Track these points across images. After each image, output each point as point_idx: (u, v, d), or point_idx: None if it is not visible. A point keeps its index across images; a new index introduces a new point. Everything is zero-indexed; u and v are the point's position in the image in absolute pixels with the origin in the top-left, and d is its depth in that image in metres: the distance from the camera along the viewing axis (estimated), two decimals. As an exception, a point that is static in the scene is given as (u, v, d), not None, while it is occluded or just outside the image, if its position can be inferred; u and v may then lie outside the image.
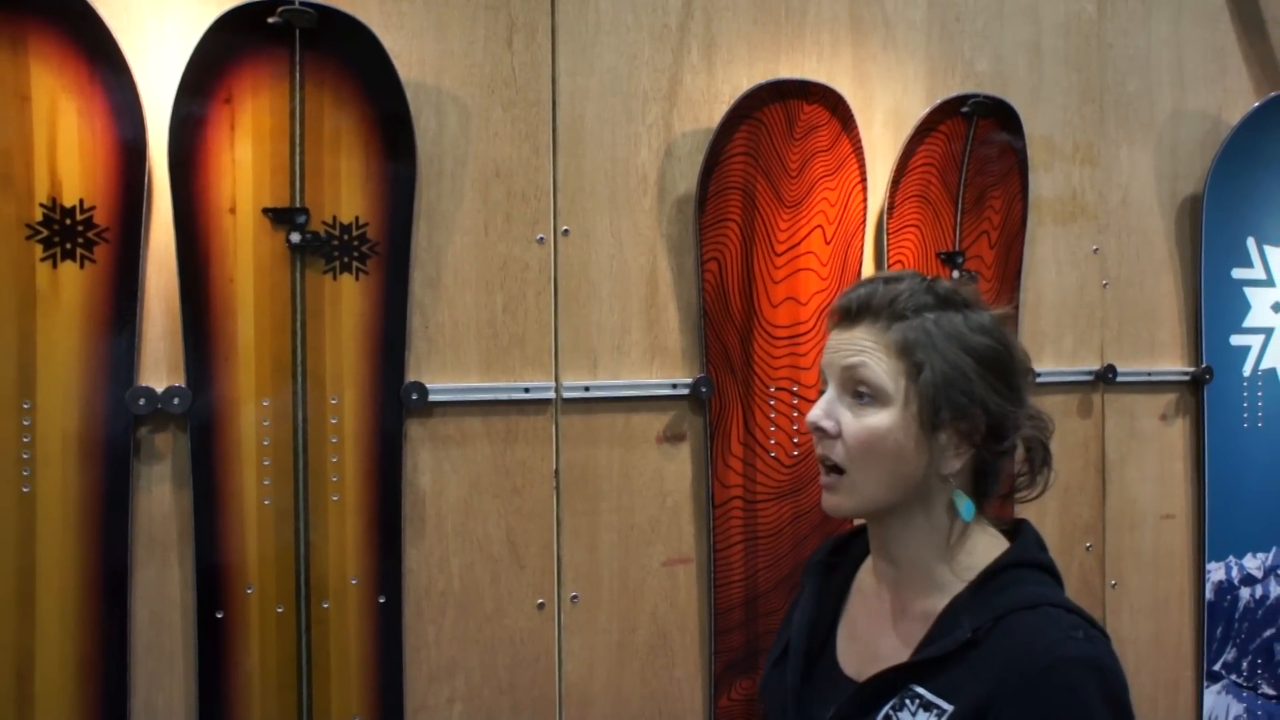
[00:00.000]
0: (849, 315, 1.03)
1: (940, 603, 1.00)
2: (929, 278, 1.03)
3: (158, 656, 1.53)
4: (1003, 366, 1.00)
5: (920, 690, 0.95)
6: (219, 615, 1.53)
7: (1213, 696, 2.37)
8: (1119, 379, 2.26)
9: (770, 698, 1.11)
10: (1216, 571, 2.38)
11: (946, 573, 1.01)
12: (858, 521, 1.10)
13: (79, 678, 1.45)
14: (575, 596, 1.76)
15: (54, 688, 1.44)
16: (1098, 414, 2.27)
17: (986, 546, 1.02)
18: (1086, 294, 2.27)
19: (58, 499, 1.45)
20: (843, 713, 1.00)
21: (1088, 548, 2.25)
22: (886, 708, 0.96)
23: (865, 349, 1.00)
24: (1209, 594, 2.37)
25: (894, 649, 1.02)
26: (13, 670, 1.41)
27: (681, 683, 1.84)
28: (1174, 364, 2.36)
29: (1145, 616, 2.32)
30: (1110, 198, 2.29)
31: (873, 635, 1.06)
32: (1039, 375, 2.16)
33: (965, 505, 1.00)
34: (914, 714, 0.94)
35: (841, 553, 1.16)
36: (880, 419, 0.99)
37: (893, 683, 0.97)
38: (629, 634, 1.80)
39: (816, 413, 1.01)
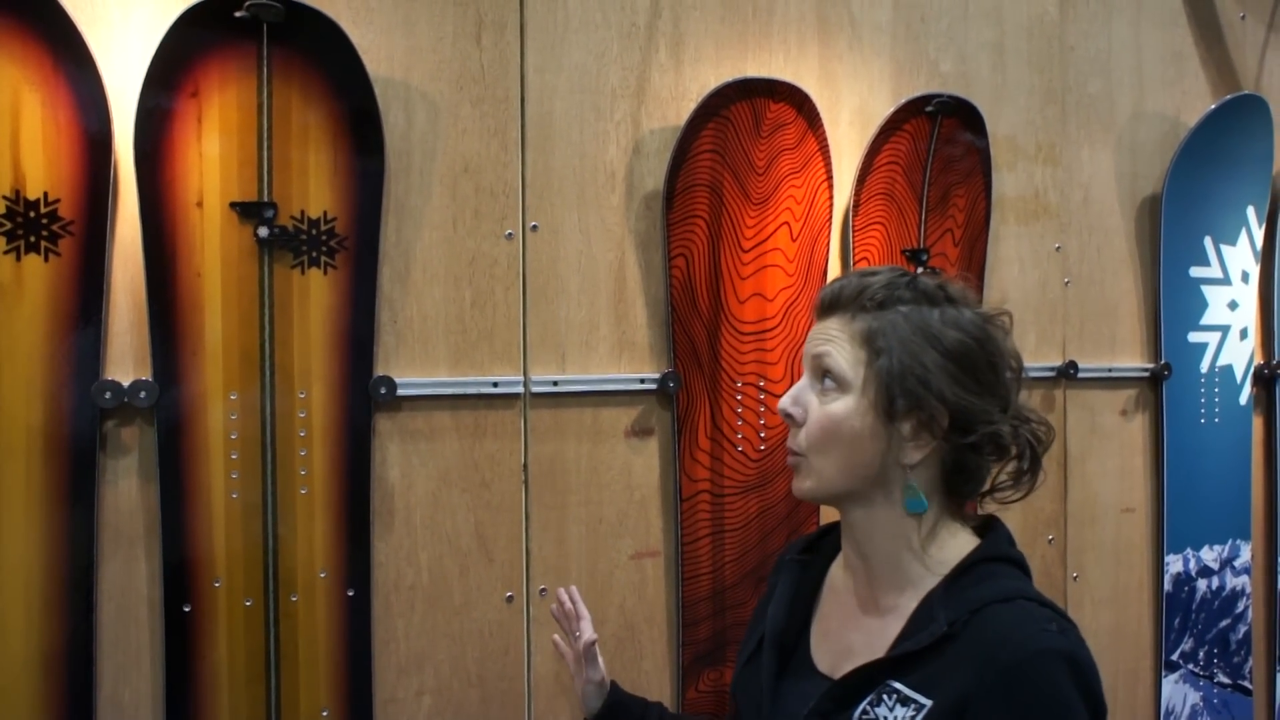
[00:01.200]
0: (823, 307, 1.06)
1: (912, 598, 1.01)
2: (913, 274, 1.04)
3: (124, 650, 1.53)
4: (971, 361, 1.00)
5: (897, 685, 0.96)
6: (186, 609, 1.53)
7: (1170, 685, 2.43)
8: (1080, 375, 2.30)
9: (744, 695, 1.12)
10: (1175, 564, 2.43)
11: (917, 567, 1.02)
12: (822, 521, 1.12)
13: (44, 672, 1.45)
14: (544, 590, 1.77)
15: (18, 682, 1.43)
16: (1060, 409, 2.32)
17: (957, 542, 1.03)
18: (1049, 291, 2.31)
19: (21, 492, 1.45)
20: (820, 709, 1.00)
21: (1050, 540, 2.29)
22: (864, 703, 0.97)
23: (832, 338, 1.03)
24: (1167, 585, 2.42)
25: (867, 644, 1.02)
26: (-24, 664, 1.41)
27: (650, 674, 1.86)
28: (1134, 360, 2.41)
29: (1106, 608, 2.37)
30: (1072, 197, 2.34)
31: (845, 631, 1.06)
32: (1002, 371, 2.19)
33: (913, 500, 1.01)
34: (891, 709, 0.95)
35: (813, 550, 1.17)
36: (838, 406, 1.01)
37: (869, 678, 0.98)
38: (597, 626, 1.79)
39: (785, 400, 1.04)
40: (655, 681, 1.86)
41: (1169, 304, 2.41)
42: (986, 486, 1.04)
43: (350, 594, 1.62)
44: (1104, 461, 2.37)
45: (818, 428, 1.01)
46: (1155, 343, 2.42)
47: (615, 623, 1.83)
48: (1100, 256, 2.38)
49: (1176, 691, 2.43)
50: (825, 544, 1.17)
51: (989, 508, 1.08)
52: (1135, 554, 2.41)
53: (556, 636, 1.42)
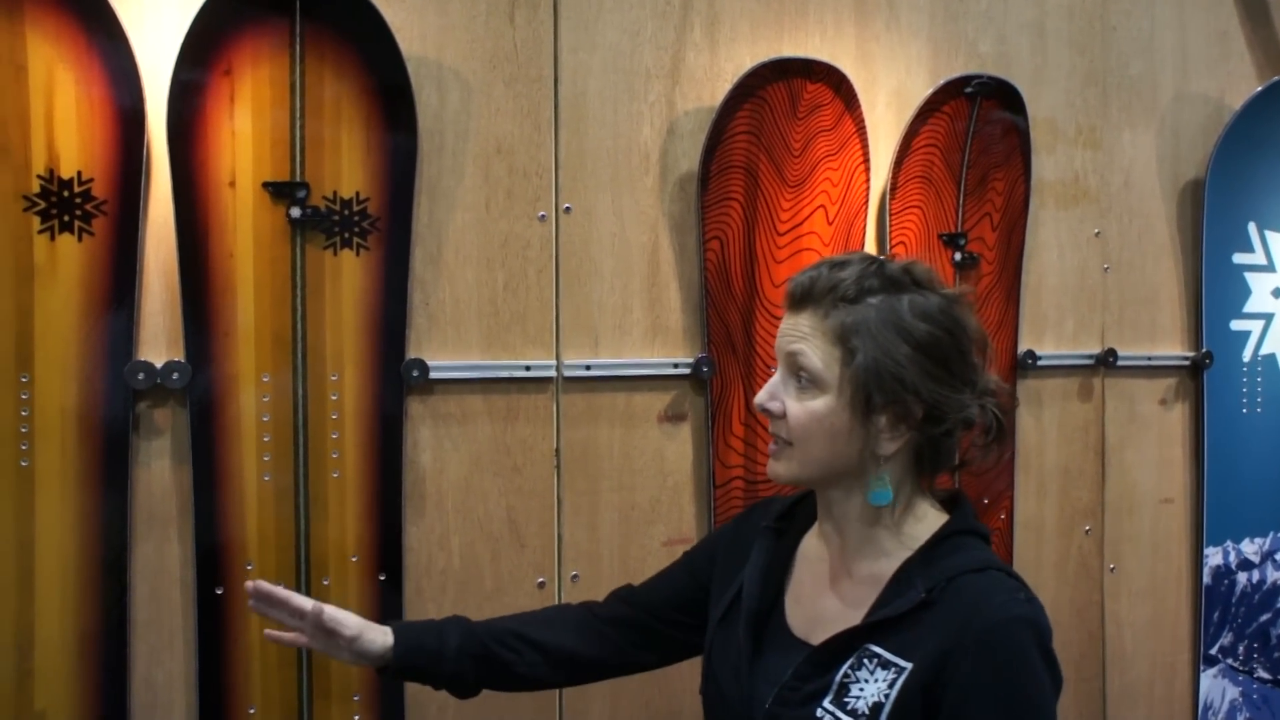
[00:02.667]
0: (794, 300, 1.08)
1: (887, 567, 1.06)
2: (879, 259, 1.07)
3: (157, 632, 1.52)
4: (942, 352, 1.04)
5: (877, 649, 1.01)
6: (219, 591, 1.52)
7: (1209, 680, 2.38)
8: (1119, 363, 2.26)
9: (720, 659, 1.15)
10: (1214, 556, 2.38)
11: (891, 541, 1.07)
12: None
13: (79, 653, 1.45)
14: (576, 576, 1.76)
15: (54, 662, 1.43)
16: (1098, 398, 2.27)
17: (929, 516, 1.09)
18: (1088, 278, 2.26)
19: (57, 474, 1.44)
20: (800, 673, 1.04)
21: (1086, 531, 2.25)
22: (844, 667, 1.02)
23: (805, 335, 1.06)
24: (1206, 578, 2.38)
25: (841, 611, 1.07)
26: (13, 644, 1.41)
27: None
28: (1174, 349, 2.36)
29: (1143, 600, 2.33)
30: (1112, 181, 2.29)
31: (819, 598, 1.11)
32: (1039, 359, 2.16)
33: (879, 494, 1.06)
34: (872, 672, 1.00)
35: (787, 519, 1.21)
36: (817, 404, 1.04)
37: (847, 643, 1.03)
38: (629, 613, 1.79)
39: (762, 396, 1.09)
40: (686, 668, 1.83)
41: (1211, 291, 2.36)
42: (956, 462, 1.10)
43: (382, 578, 1.61)
44: (1142, 451, 2.32)
45: (798, 424, 1.05)
46: (1196, 330, 2.37)
47: (647, 610, 1.80)
48: (1141, 242, 2.33)
49: (1215, 686, 2.39)
50: (799, 511, 1.21)
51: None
52: (1174, 545, 2.36)
53: (268, 630, 1.23)
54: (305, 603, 1.18)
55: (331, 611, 1.18)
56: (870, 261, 1.07)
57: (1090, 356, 2.25)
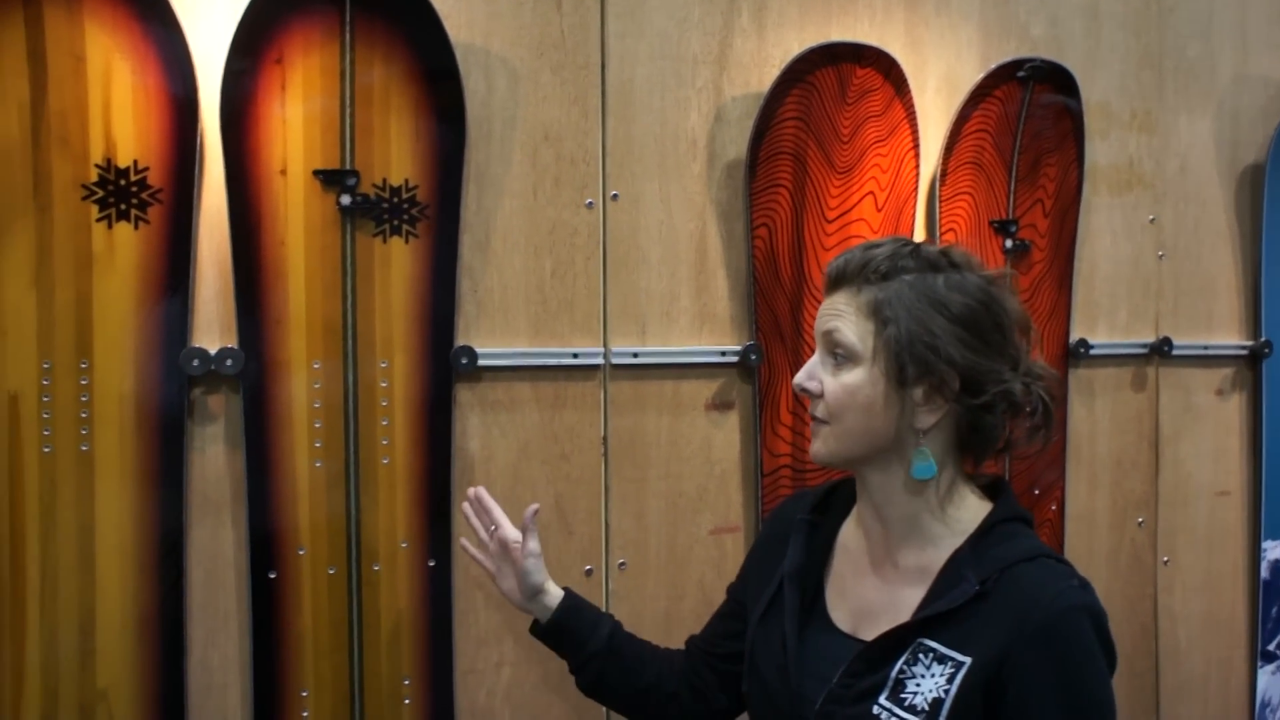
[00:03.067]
0: (830, 282, 1.10)
1: (936, 557, 1.05)
2: (916, 242, 1.08)
3: (213, 615, 1.54)
4: (977, 324, 1.04)
5: (932, 644, 0.99)
6: (272, 576, 1.54)
7: (1266, 676, 2.33)
8: (1174, 352, 2.21)
9: (764, 656, 1.13)
10: (1273, 550, 2.33)
11: (937, 527, 1.06)
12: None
13: (138, 634, 1.47)
14: (623, 563, 1.76)
15: (115, 643, 1.45)
16: (1152, 387, 2.23)
17: (973, 503, 1.08)
18: (1142, 265, 2.22)
19: (115, 459, 1.46)
20: (853, 670, 1.03)
21: (1140, 523, 2.21)
22: (899, 662, 1.00)
23: (841, 313, 1.07)
24: (1264, 573, 2.32)
25: (889, 604, 1.06)
26: (76, 625, 1.43)
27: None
28: (1231, 337, 2.31)
29: (1198, 594, 2.28)
30: (1168, 166, 2.24)
31: (865, 591, 1.10)
32: (1091, 348, 2.12)
33: (922, 465, 1.05)
34: (929, 667, 0.98)
35: (822, 510, 1.20)
36: (852, 377, 1.05)
37: (902, 639, 1.01)
38: (676, 602, 1.79)
39: (800, 376, 1.09)
40: (734, 659, 1.83)
41: (1270, 278, 2.30)
42: (1001, 444, 1.09)
43: (431, 564, 1.62)
44: (1198, 442, 2.28)
45: (834, 399, 1.06)
46: (1255, 319, 2.31)
47: (694, 598, 1.80)
48: (1197, 228, 2.27)
49: (1273, 683, 2.34)
50: (834, 501, 1.20)
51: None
52: (1230, 539, 2.31)
53: (464, 540, 1.42)
54: (509, 528, 1.35)
55: (531, 543, 1.32)
56: (905, 243, 1.08)
57: (1144, 345, 2.21)
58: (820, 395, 1.07)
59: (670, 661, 1.33)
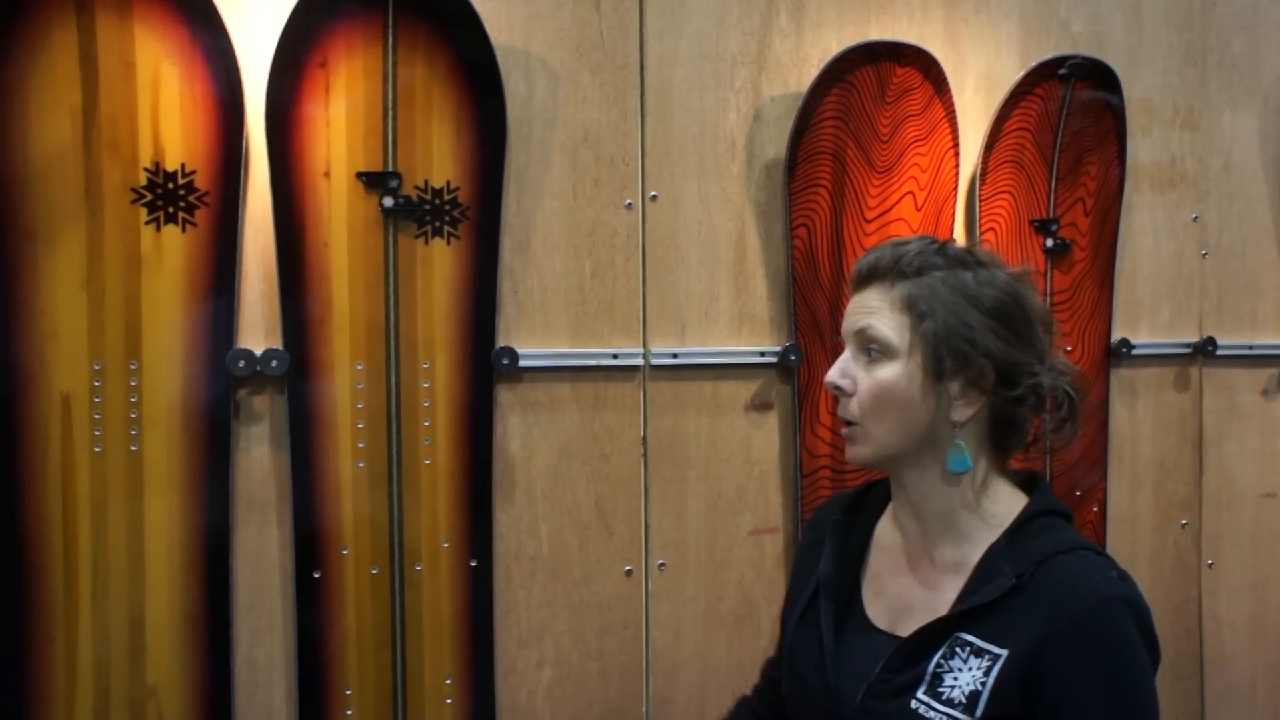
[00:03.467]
0: (860, 279, 1.08)
1: (972, 552, 1.04)
2: (941, 241, 1.08)
3: (258, 614, 1.56)
4: (1010, 315, 1.04)
5: (968, 637, 0.99)
6: (316, 575, 1.55)
7: (1313, 682, 2.29)
8: (1219, 352, 2.18)
9: (802, 655, 1.13)
10: (1319, 553, 2.29)
11: (973, 522, 1.05)
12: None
13: (186, 632, 1.49)
14: (663, 564, 1.76)
15: (163, 641, 1.47)
16: (1195, 388, 2.20)
17: (1008, 496, 1.07)
18: (1185, 264, 2.19)
19: (163, 459, 1.48)
20: (891, 665, 1.03)
21: (1183, 525, 2.18)
22: (936, 656, 0.99)
23: (874, 309, 1.05)
24: (1311, 576, 2.28)
25: (927, 600, 1.05)
26: (126, 623, 1.45)
27: (768, 652, 1.81)
28: (1277, 337, 2.27)
29: (1243, 598, 2.25)
30: (1211, 164, 2.21)
31: (902, 588, 1.09)
32: (1133, 348, 2.09)
33: (958, 459, 1.05)
34: (965, 660, 0.98)
35: (855, 511, 1.19)
36: (888, 371, 1.03)
37: (939, 633, 1.00)
38: (715, 602, 1.79)
39: (833, 374, 1.07)
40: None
41: (1317, 277, 2.26)
42: (1030, 438, 1.09)
43: (473, 564, 1.63)
44: (1243, 443, 2.24)
45: (869, 395, 1.04)
46: (1301, 318, 2.28)
47: (733, 599, 1.80)
48: (1241, 226, 2.24)
49: (1320, 688, 2.30)
50: (868, 502, 1.19)
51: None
52: (1277, 542, 2.28)
53: None
54: None
55: None
56: (932, 241, 1.08)
57: (1187, 345, 2.18)
58: (853, 393, 1.05)
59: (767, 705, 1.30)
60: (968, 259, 1.07)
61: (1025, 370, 1.04)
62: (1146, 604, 0.98)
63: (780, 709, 1.26)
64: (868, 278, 1.07)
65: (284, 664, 1.57)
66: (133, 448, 1.47)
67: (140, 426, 1.47)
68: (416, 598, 1.60)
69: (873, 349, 1.05)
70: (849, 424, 1.07)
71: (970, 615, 1.00)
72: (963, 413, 1.04)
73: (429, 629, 1.60)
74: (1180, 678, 2.17)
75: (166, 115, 1.47)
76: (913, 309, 1.03)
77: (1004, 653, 0.97)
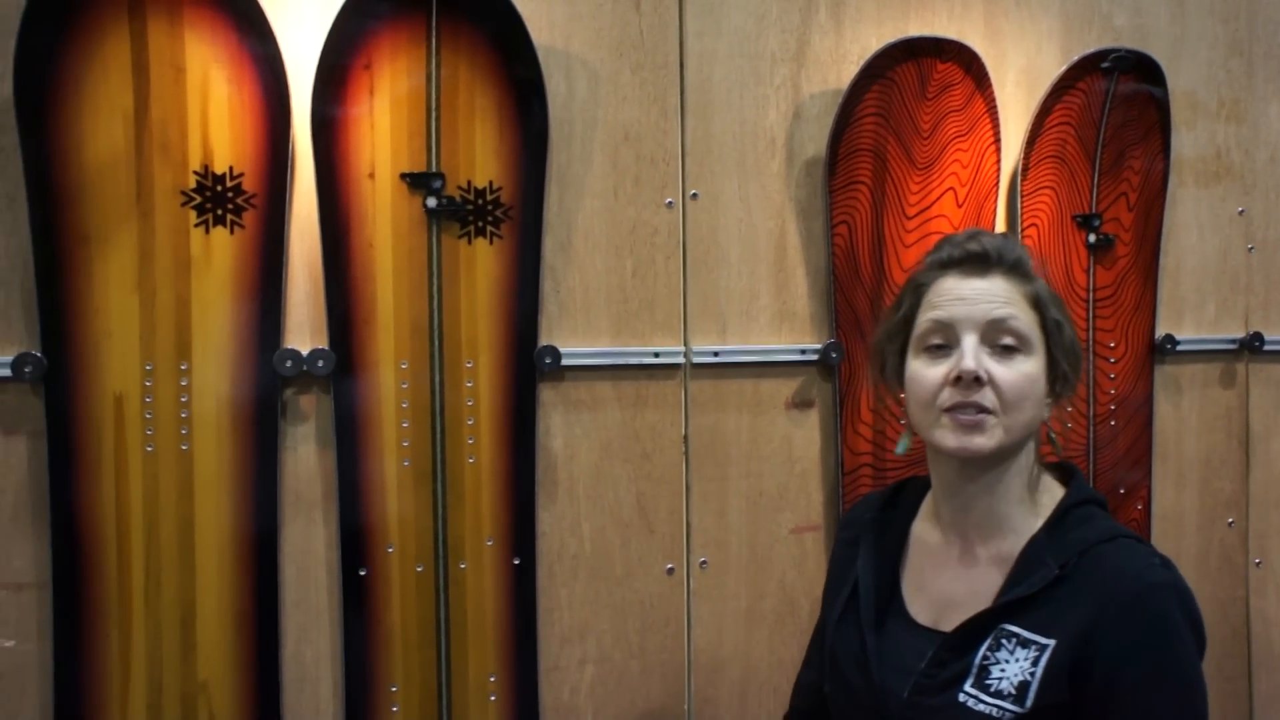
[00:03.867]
0: (984, 262, 1.07)
1: (1014, 545, 1.05)
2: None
3: (305, 611, 1.57)
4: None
5: (1014, 629, 0.99)
6: (362, 573, 1.57)
7: (1364, 683, 2.25)
8: (1266, 347, 2.15)
9: (844, 655, 1.13)
10: (1370, 551, 2.25)
11: (1021, 514, 1.06)
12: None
13: (236, 628, 1.51)
14: (704, 562, 1.76)
15: (214, 637, 1.49)
16: (1241, 384, 2.17)
17: (1050, 487, 1.09)
18: (1230, 258, 2.16)
19: (213, 458, 1.50)
20: (938, 659, 1.03)
21: (1230, 523, 2.15)
22: (982, 649, 1.00)
23: (1010, 299, 1.05)
24: (1361, 575, 2.24)
25: (970, 594, 1.05)
26: (178, 619, 1.47)
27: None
28: (1325, 332, 2.23)
29: (1291, 597, 2.21)
30: (1257, 156, 2.17)
31: (944, 583, 1.09)
32: (1178, 344, 2.07)
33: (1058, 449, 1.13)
34: (1012, 652, 0.98)
35: (891, 508, 1.19)
36: (1030, 366, 1.04)
37: (983, 626, 1.01)
38: (757, 600, 1.79)
39: (971, 363, 1.03)
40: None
41: (1366, 271, 2.22)
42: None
43: (516, 562, 1.64)
44: (1291, 441, 2.21)
45: (1013, 388, 1.03)
46: (1350, 313, 2.24)
47: (775, 597, 1.79)
48: (1288, 220, 2.21)
49: (1371, 689, 2.25)
50: (903, 500, 1.19)
51: None
52: (1325, 540, 2.24)
53: None
54: None
55: None
56: (1007, 236, 1.12)
57: (1233, 341, 2.15)
58: (987, 383, 1.03)
59: None
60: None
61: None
62: (1190, 590, 0.99)
63: None
64: (982, 264, 1.06)
65: (330, 661, 1.58)
66: (183, 447, 1.49)
67: (190, 426, 1.49)
68: (460, 596, 1.61)
69: (1008, 342, 1.04)
70: (985, 411, 1.03)
71: (1015, 607, 1.01)
72: (1047, 412, 1.08)
73: (473, 627, 1.61)
74: (1228, 678, 2.14)
75: (215, 119, 1.48)
76: (1042, 310, 1.06)
77: (1051, 643, 0.97)
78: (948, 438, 1.04)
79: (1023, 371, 1.03)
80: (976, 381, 1.02)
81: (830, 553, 1.36)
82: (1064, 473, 1.12)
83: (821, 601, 1.32)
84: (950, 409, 1.03)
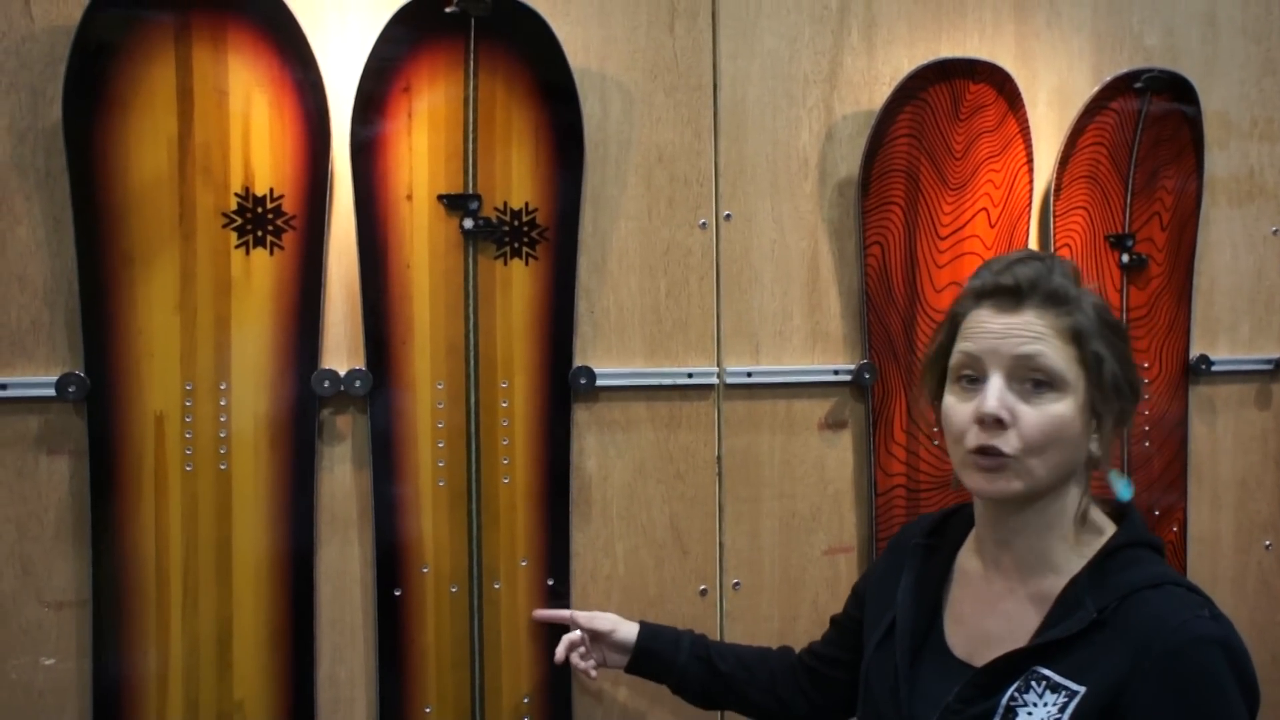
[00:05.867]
0: (1016, 295, 1.01)
1: (1056, 584, 1.00)
2: (1054, 256, 1.04)
3: (340, 630, 1.58)
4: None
5: (1046, 672, 0.95)
6: (397, 593, 1.57)
7: (1406, 709, 2.21)
8: (1301, 368, 2.13)
9: (878, 680, 1.11)
10: None
11: (1065, 553, 1.01)
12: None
13: (272, 648, 1.51)
14: (737, 584, 1.75)
15: (250, 656, 1.50)
16: (1277, 405, 2.14)
17: (1101, 526, 1.04)
18: (1265, 278, 2.14)
19: (250, 477, 1.51)
20: (965, 695, 0.99)
21: (1267, 546, 2.12)
22: (1011, 689, 0.96)
23: (1041, 335, 0.99)
24: (1401, 599, 2.21)
25: (1007, 631, 1.02)
26: (214, 638, 1.48)
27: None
28: (1361, 353, 2.21)
29: (1330, 622, 2.18)
30: (1291, 176, 2.16)
31: (982, 618, 1.06)
32: (1213, 364, 2.06)
33: (1124, 484, 1.03)
34: (1040, 695, 0.94)
35: (938, 534, 1.16)
36: (1062, 408, 0.98)
37: (1014, 665, 0.97)
38: (790, 622, 1.78)
39: (993, 403, 0.98)
40: (848, 681, 1.81)
41: (1403, 291, 2.19)
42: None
43: (550, 583, 1.64)
44: (1327, 462, 2.18)
45: (1038, 430, 0.98)
46: (1386, 334, 2.21)
47: (808, 619, 1.78)
48: (1323, 240, 2.19)
49: None
50: (950, 528, 1.15)
51: None
52: (1364, 564, 2.21)
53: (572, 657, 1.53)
54: (591, 625, 1.52)
55: (591, 618, 1.52)
56: (1051, 257, 1.04)
57: (1269, 361, 2.13)
58: (1011, 426, 0.98)
59: (778, 661, 1.44)
60: (1077, 277, 1.04)
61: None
62: (1243, 647, 0.93)
63: (804, 686, 1.38)
64: (1014, 297, 1.01)
65: (365, 681, 1.58)
66: (221, 466, 1.50)
67: (229, 446, 1.50)
68: (495, 616, 1.61)
69: (1039, 378, 0.98)
70: (1002, 455, 0.99)
71: (1049, 649, 0.97)
72: (1098, 449, 1.01)
73: (507, 647, 1.61)
74: (1268, 705, 2.10)
75: (256, 141, 1.50)
76: (1081, 343, 0.99)
77: (1082, 690, 0.93)
78: (971, 479, 1.02)
79: (1050, 413, 0.97)
80: (999, 423, 0.98)
81: (872, 564, 1.37)
82: (1119, 511, 1.08)
83: (850, 599, 1.36)
84: (975, 450, 1.00)
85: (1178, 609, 0.94)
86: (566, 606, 1.63)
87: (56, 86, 1.41)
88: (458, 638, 1.60)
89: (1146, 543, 1.03)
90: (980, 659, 1.03)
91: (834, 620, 1.41)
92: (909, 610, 1.11)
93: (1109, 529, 1.05)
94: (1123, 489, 1.04)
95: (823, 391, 1.79)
